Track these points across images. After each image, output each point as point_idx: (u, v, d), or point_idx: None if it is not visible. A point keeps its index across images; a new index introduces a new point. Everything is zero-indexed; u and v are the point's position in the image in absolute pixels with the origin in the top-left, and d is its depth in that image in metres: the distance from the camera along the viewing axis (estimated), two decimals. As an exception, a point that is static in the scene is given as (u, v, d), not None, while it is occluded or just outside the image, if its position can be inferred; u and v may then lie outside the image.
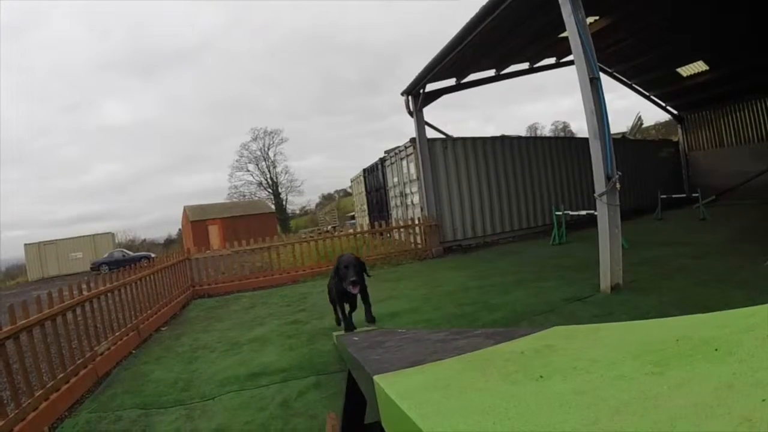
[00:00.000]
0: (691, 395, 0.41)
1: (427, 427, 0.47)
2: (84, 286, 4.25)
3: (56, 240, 25.91)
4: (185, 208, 33.59)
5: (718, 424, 0.34)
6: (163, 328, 5.63)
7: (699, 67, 12.37)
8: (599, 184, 4.63)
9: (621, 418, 0.40)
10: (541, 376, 0.58)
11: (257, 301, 6.69)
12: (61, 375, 3.41)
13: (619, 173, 4.68)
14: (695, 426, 0.35)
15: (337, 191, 46.63)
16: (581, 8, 4.78)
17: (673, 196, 11.30)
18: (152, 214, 67.25)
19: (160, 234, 42.29)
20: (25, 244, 25.40)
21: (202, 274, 8.38)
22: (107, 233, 28.03)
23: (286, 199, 41.49)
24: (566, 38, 4.97)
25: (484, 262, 7.54)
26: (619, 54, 11.70)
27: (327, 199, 46.59)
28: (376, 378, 0.75)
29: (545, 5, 5.50)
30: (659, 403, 0.41)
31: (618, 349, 0.62)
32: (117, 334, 4.52)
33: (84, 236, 26.51)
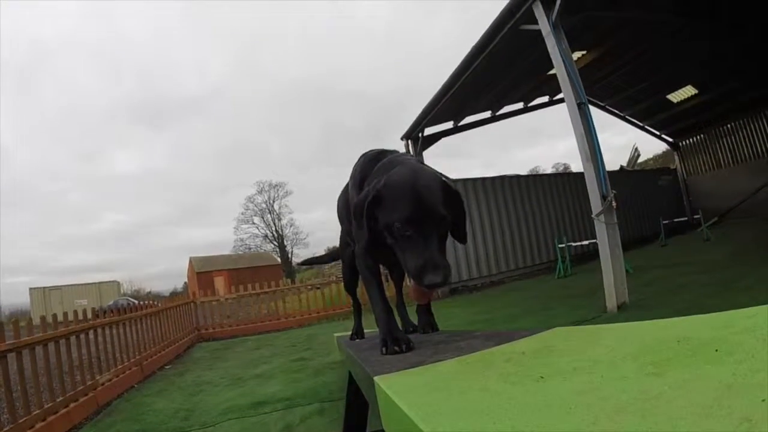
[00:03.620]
0: (692, 396, 0.41)
1: (428, 427, 0.47)
2: (89, 315, 4.28)
3: (61, 286, 26.40)
4: (191, 259, 33.54)
5: (718, 425, 0.34)
6: (166, 366, 5.65)
7: (688, 91, 12.55)
8: (595, 205, 4.73)
9: (621, 418, 0.40)
10: (542, 377, 0.58)
11: (263, 344, 6.68)
12: (61, 398, 3.39)
13: (614, 192, 4.77)
14: (695, 426, 0.35)
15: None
16: (564, 39, 5.04)
17: (675, 220, 11.32)
18: (157, 266, 66.84)
19: (165, 287, 42.23)
20: (31, 289, 25.86)
21: (207, 318, 8.37)
22: (113, 281, 28.36)
23: (292, 251, 41.49)
24: (555, 75, 5.18)
25: (490, 298, 7.66)
26: (610, 87, 11.91)
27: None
28: (376, 379, 0.76)
29: (533, 42, 5.73)
30: (660, 404, 0.41)
31: (618, 350, 0.62)
32: (119, 366, 4.53)
33: (89, 284, 27.01)
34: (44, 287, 25.77)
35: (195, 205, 56.87)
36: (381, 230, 1.13)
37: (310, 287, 9.90)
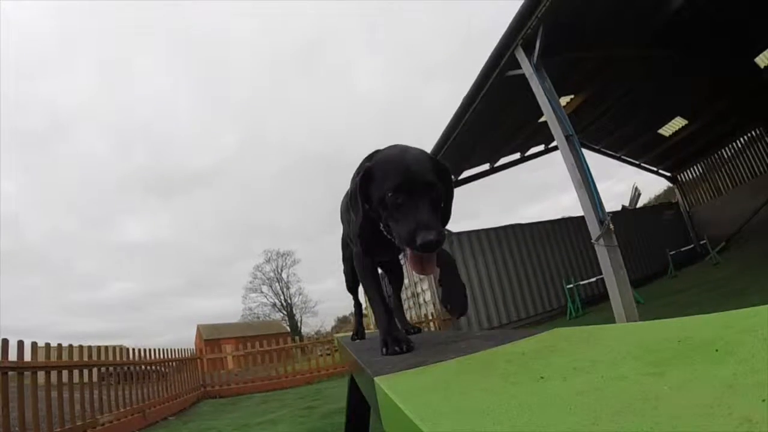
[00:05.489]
0: (692, 396, 0.41)
1: (428, 427, 0.47)
2: (94, 352, 4.23)
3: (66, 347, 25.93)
4: (199, 327, 33.38)
5: (718, 425, 0.34)
6: (170, 417, 5.65)
7: (678, 123, 12.74)
8: (594, 230, 4.79)
9: (622, 418, 0.40)
10: (542, 377, 0.58)
11: (270, 398, 6.69)
12: (59, 429, 3.35)
13: (611, 214, 4.84)
14: (695, 426, 0.35)
15: (352, 313, 45.80)
16: (547, 79, 5.32)
17: (682, 249, 11.29)
18: (165, 336, 67.00)
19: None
20: (35, 346, 25.53)
21: (215, 377, 8.35)
22: (120, 346, 27.95)
23: (301, 320, 41.35)
24: (547, 123, 5.35)
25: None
26: (602, 129, 12.09)
27: (342, 321, 45.41)
28: (376, 379, 0.76)
29: (520, 89, 5.94)
30: (660, 404, 0.41)
31: (618, 350, 0.62)
32: (122, 410, 4.50)
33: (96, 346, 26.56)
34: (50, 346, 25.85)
35: (203, 276, 57.06)
36: (376, 209, 1.14)
37: (320, 353, 9.78)
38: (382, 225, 1.17)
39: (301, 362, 9.30)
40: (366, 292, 1.43)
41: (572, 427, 0.40)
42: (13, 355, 2.99)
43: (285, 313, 40.50)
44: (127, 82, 59.41)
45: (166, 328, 60.60)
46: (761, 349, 0.46)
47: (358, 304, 2.24)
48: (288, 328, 37.62)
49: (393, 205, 1.06)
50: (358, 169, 1.42)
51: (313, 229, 59.57)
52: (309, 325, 43.08)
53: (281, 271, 40.62)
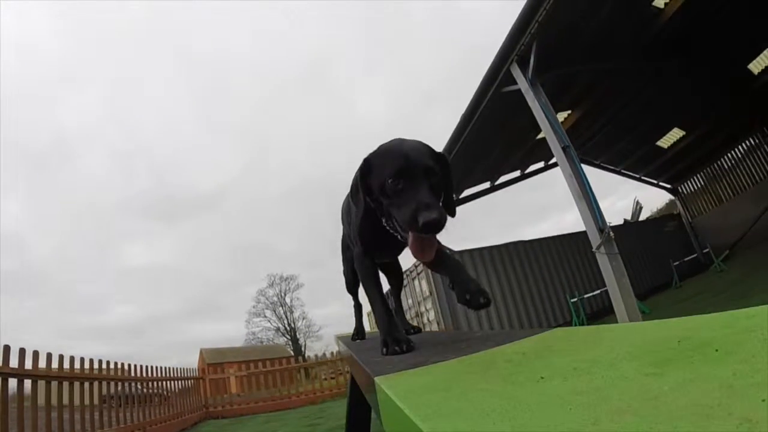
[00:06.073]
0: (692, 396, 0.41)
1: (428, 427, 0.47)
2: (95, 365, 4.18)
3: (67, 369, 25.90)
4: (202, 351, 33.18)
5: (718, 425, 0.34)
6: None
7: (676, 134, 12.74)
8: (594, 239, 4.82)
9: (622, 418, 0.40)
10: (542, 377, 0.58)
11: (273, 418, 6.69)
12: None
13: (610, 222, 4.86)
14: (695, 426, 0.35)
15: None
16: (542, 93, 5.43)
17: (685, 259, 11.28)
18: (168, 361, 66.80)
19: (175, 378, 42.19)
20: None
21: (218, 399, 8.34)
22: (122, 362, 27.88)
23: (305, 344, 41.09)
24: (545, 139, 5.40)
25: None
26: (600, 143, 12.14)
27: (347, 344, 45.89)
28: (376, 379, 0.76)
29: (517, 106, 6.05)
30: (660, 404, 0.41)
31: (619, 350, 0.62)
32: (122, 425, 4.43)
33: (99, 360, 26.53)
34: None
35: (206, 301, 56.69)
36: (377, 199, 1.14)
37: (324, 377, 9.68)
38: (384, 220, 1.17)
39: (305, 385, 9.20)
40: (366, 292, 1.43)
41: (572, 427, 0.40)
42: (14, 364, 2.95)
43: (289, 337, 40.20)
44: (129, 104, 59.72)
45: (168, 352, 60.37)
46: (761, 349, 0.47)
47: (358, 305, 2.23)
48: (292, 353, 37.28)
49: (393, 191, 1.06)
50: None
51: (316, 254, 59.49)
52: (313, 350, 42.90)
53: (285, 295, 40.42)
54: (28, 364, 3.05)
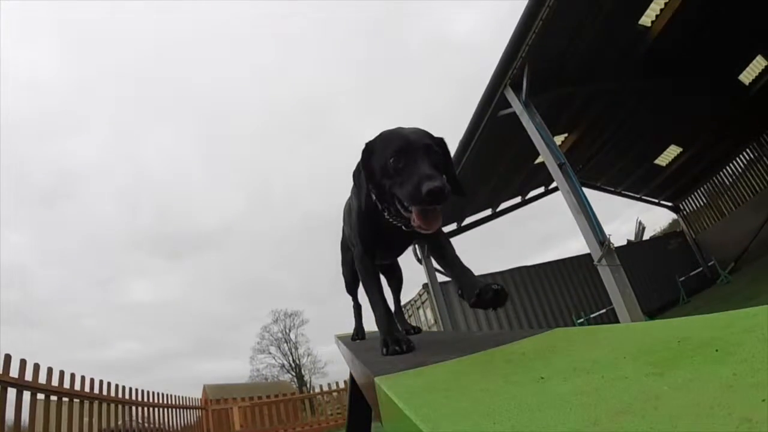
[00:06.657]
0: (692, 396, 0.41)
1: (428, 427, 0.47)
2: (96, 386, 4.10)
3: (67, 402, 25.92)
4: (205, 387, 32.83)
5: (718, 425, 0.34)
6: None
7: (673, 151, 12.69)
8: (595, 252, 4.87)
9: (622, 418, 0.40)
10: (542, 377, 0.58)
11: None
12: None
13: (610, 234, 4.91)
14: (695, 426, 0.35)
15: (364, 370, 46.44)
16: (536, 114, 5.53)
17: (691, 273, 11.32)
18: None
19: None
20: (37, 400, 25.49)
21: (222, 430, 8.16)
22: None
23: (310, 381, 40.89)
24: (544, 163, 5.47)
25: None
26: (599, 166, 12.13)
27: (354, 380, 45.68)
28: (376, 379, 0.75)
29: (513, 130, 6.12)
30: (660, 404, 0.41)
31: (618, 350, 0.62)
32: None
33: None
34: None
35: (209, 338, 56.08)
36: (380, 182, 1.14)
37: (330, 413, 9.47)
38: (386, 213, 1.18)
39: (311, 421, 9.05)
40: (366, 292, 1.42)
41: (572, 428, 0.40)
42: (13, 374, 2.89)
43: (294, 374, 39.84)
44: (133, 142, 59.66)
45: (171, 390, 59.69)
46: (761, 349, 0.47)
47: (357, 306, 2.22)
48: (296, 389, 37.29)
49: (395, 169, 1.07)
50: None
51: (320, 291, 59.25)
52: (319, 386, 42.59)
53: (289, 331, 40.11)
54: (28, 376, 2.97)
